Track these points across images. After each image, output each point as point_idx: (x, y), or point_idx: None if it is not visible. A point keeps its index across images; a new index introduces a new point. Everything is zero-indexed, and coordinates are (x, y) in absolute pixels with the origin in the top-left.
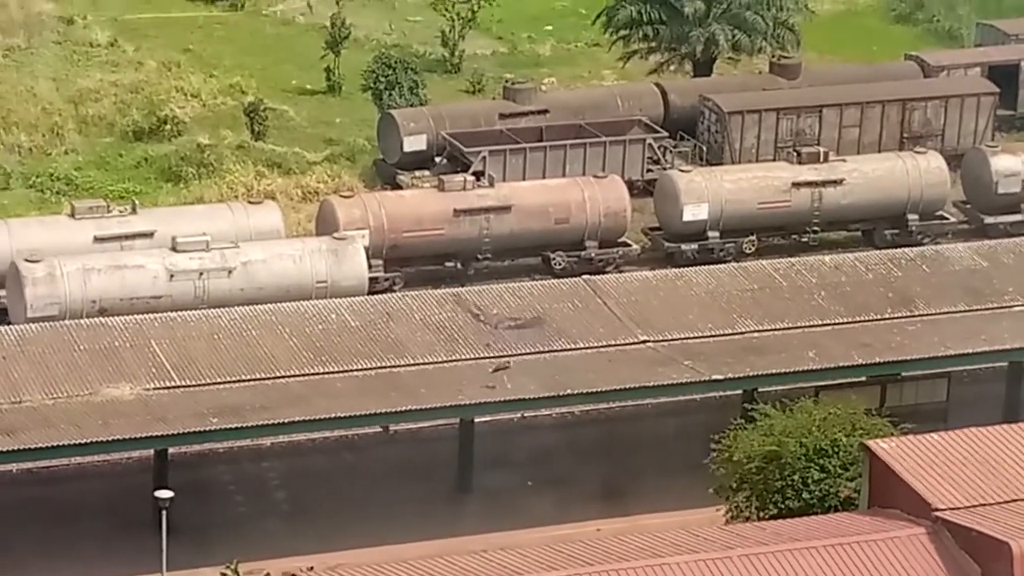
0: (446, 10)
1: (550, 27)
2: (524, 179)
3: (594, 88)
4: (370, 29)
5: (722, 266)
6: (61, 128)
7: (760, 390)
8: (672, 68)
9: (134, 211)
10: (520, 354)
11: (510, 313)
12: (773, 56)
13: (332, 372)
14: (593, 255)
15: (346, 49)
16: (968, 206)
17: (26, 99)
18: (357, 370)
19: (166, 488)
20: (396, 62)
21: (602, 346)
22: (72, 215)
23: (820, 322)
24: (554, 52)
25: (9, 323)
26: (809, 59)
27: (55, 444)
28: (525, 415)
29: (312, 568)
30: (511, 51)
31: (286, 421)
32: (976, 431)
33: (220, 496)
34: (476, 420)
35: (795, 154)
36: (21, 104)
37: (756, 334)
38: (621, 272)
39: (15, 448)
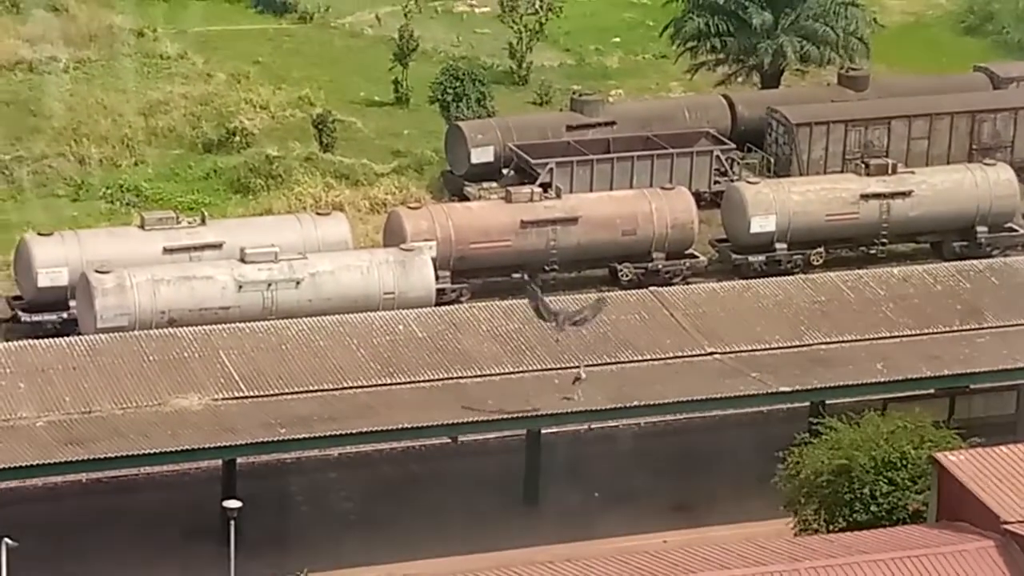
0: (514, 22)
1: (618, 39)
2: (591, 191)
3: (661, 100)
4: (438, 41)
5: (789, 278)
6: (131, 140)
7: (827, 402)
8: (740, 80)
9: (203, 222)
10: (587, 365)
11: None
12: (841, 68)
13: (399, 383)
14: (660, 267)
15: (414, 61)
16: None
17: (97, 111)
18: (424, 381)
19: (234, 498)
20: (464, 74)
21: (669, 357)
22: (142, 226)
23: (888, 334)
24: (622, 64)
25: (79, 333)
26: (877, 71)
27: (125, 454)
28: (592, 426)
29: None
30: (578, 63)
31: (353, 432)
32: None
33: (287, 506)
34: (543, 431)
35: (863, 166)
36: (92, 116)
37: (823, 346)
38: (688, 284)
39: (85, 458)
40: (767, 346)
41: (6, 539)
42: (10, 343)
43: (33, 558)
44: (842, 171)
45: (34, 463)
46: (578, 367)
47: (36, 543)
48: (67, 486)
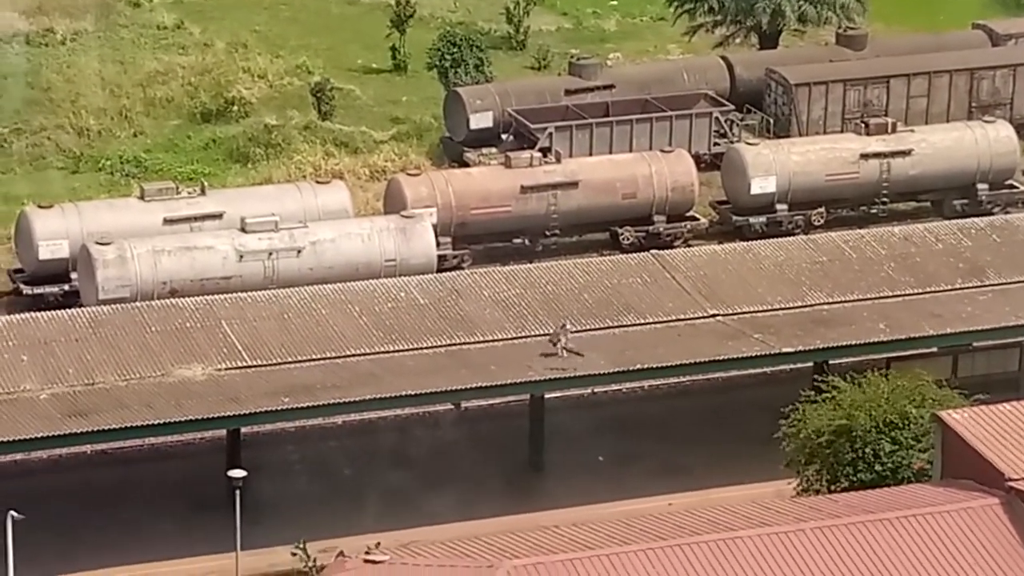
0: None
1: (615, 2)
2: (591, 155)
3: (660, 62)
4: (435, 7)
5: (791, 239)
6: (129, 111)
7: (830, 362)
8: (738, 41)
9: (203, 192)
10: (589, 329)
11: (577, 288)
12: (839, 27)
13: (402, 350)
14: (661, 230)
15: (411, 28)
16: None
17: (94, 83)
18: (427, 348)
19: (239, 468)
20: (461, 40)
21: (671, 320)
22: (142, 197)
23: (890, 293)
24: (619, 27)
25: (81, 305)
26: (876, 30)
27: (129, 425)
28: (595, 391)
29: (379, 544)
30: (576, 27)
31: (357, 399)
32: None
33: (291, 475)
34: (547, 396)
35: (863, 125)
36: (89, 88)
37: (826, 306)
38: (689, 246)
39: (89, 430)
40: (769, 307)
41: (11, 512)
42: (12, 316)
43: (38, 530)
44: (842, 131)
45: (38, 435)
46: (564, 324)
47: (41, 515)
48: (71, 458)
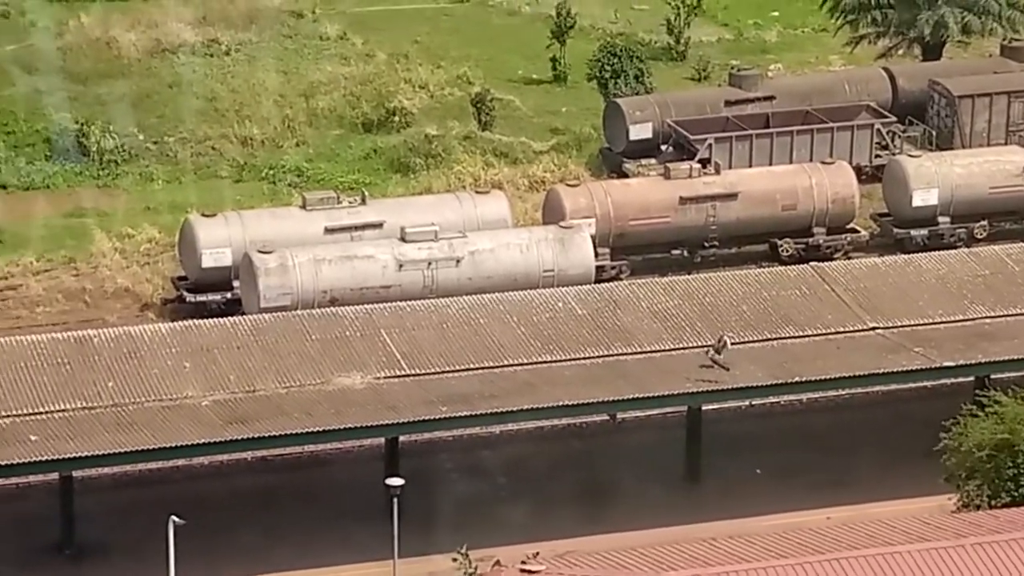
0: None
1: (776, 13)
2: (750, 166)
3: (821, 74)
4: (595, 18)
5: (953, 252)
6: (292, 121)
7: (992, 377)
8: (900, 52)
9: (364, 202)
10: (748, 341)
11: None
12: (1004, 39)
13: (559, 360)
14: (821, 242)
15: (572, 38)
16: None
17: (258, 93)
18: (584, 358)
19: (397, 476)
20: (621, 50)
21: (831, 333)
22: (303, 206)
23: None
24: (780, 38)
25: (243, 313)
26: None
27: (289, 433)
28: (753, 403)
29: (537, 554)
30: (737, 38)
31: (513, 409)
32: None
33: (449, 483)
34: (703, 408)
35: None
36: (253, 98)
37: (988, 320)
38: (849, 259)
39: (250, 436)
40: (930, 320)
41: (173, 517)
42: (176, 323)
43: (199, 536)
44: (1005, 143)
45: (200, 442)
46: (723, 336)
47: (202, 521)
48: (232, 464)
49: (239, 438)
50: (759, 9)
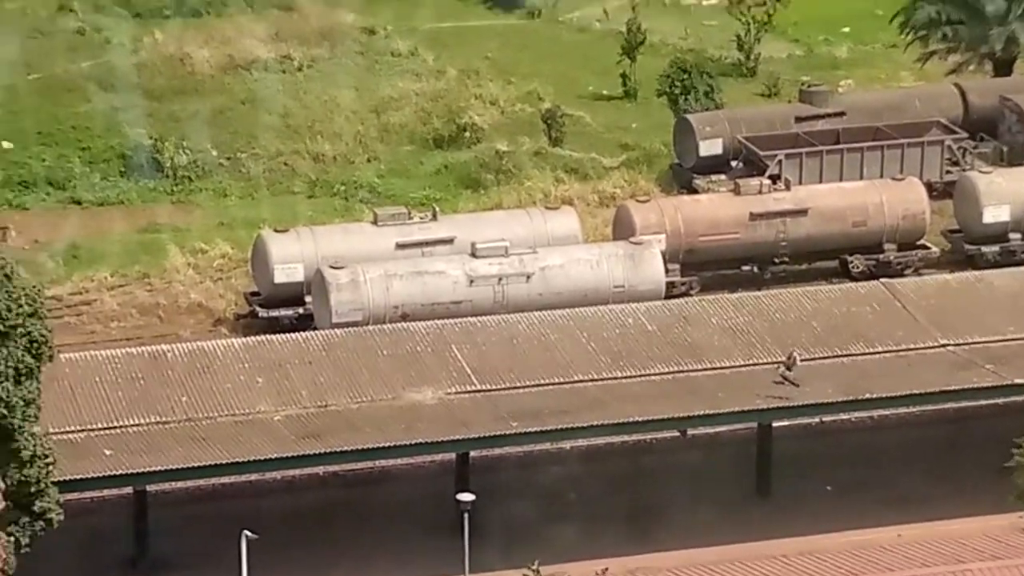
0: (741, 14)
1: (847, 29)
2: (821, 182)
3: (892, 90)
4: (666, 34)
5: None
6: (364, 137)
7: None
8: (971, 68)
9: (435, 218)
10: (818, 358)
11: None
12: None
13: (629, 376)
14: (892, 258)
15: (642, 54)
16: None
17: (330, 109)
18: (654, 374)
19: (468, 491)
20: (692, 67)
21: (901, 350)
22: (375, 222)
23: None
24: (851, 54)
25: (315, 328)
26: None
27: (361, 448)
28: (824, 420)
29: (607, 570)
30: (807, 54)
31: (584, 425)
32: None
33: (520, 499)
34: (774, 424)
35: None
36: (325, 114)
37: None
38: (920, 275)
39: (322, 451)
40: (1002, 337)
41: (246, 532)
42: (248, 338)
43: (271, 550)
44: None
45: (272, 456)
46: (793, 352)
47: (274, 536)
48: (304, 479)
49: (311, 453)
50: (829, 25)
